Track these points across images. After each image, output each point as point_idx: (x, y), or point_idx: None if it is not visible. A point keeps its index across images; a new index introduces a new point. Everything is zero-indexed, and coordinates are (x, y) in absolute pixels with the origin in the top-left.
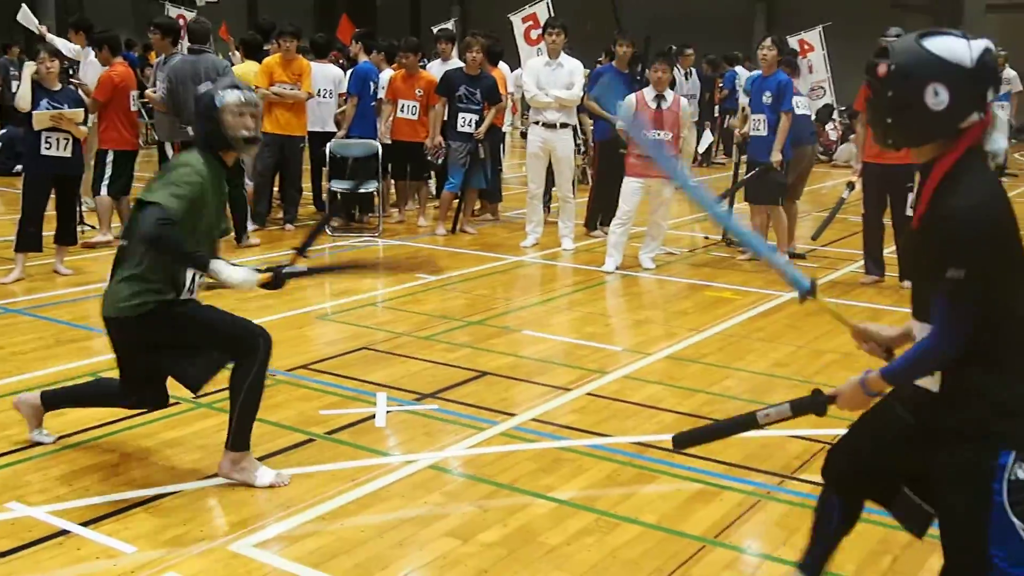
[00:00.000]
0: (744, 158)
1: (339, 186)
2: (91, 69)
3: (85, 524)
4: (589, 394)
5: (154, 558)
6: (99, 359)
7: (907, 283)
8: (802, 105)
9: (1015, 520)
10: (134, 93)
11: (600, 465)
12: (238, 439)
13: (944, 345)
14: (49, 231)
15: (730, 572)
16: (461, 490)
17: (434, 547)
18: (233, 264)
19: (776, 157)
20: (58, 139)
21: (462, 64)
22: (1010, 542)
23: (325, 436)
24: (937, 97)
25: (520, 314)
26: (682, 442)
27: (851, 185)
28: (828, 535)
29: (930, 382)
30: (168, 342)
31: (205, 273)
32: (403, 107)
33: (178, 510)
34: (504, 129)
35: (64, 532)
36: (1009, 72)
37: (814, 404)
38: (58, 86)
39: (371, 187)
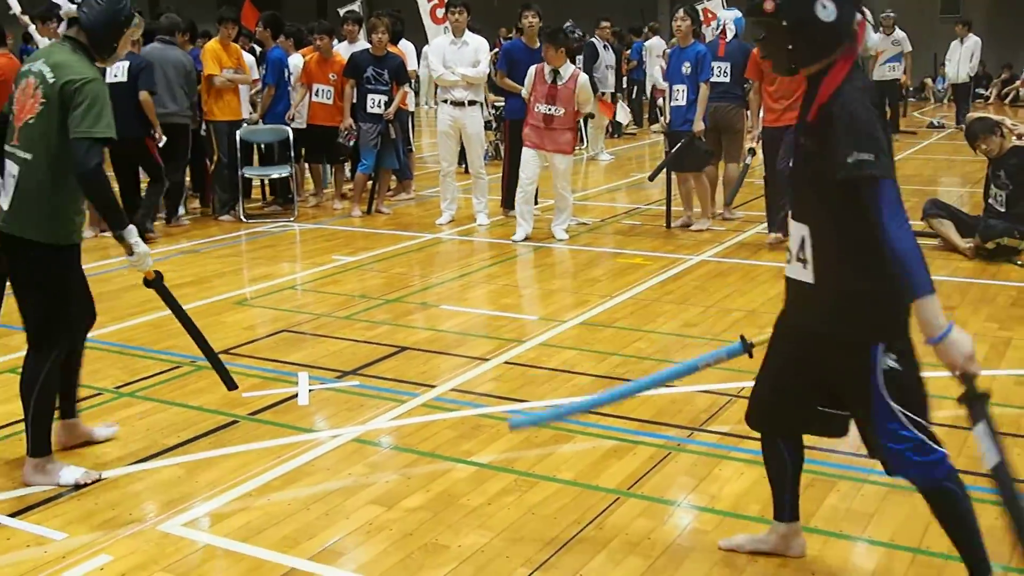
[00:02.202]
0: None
1: (252, 173)
2: None
3: (13, 515)
4: (507, 362)
5: (85, 543)
6: (14, 356)
7: (773, 235)
8: (722, 72)
9: (895, 406)
10: None
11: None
12: (36, 445)
13: (894, 225)
14: None
15: (643, 519)
16: (384, 460)
17: (360, 515)
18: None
19: (699, 127)
20: None
21: (368, 45)
22: (900, 429)
23: (248, 417)
24: (826, 9)
25: (437, 290)
26: None
27: (752, 151)
28: (787, 477)
29: (804, 273)
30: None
31: (116, 233)
32: (318, 91)
33: (105, 496)
34: (411, 108)
35: None
36: (899, 33)
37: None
38: None
39: (284, 172)
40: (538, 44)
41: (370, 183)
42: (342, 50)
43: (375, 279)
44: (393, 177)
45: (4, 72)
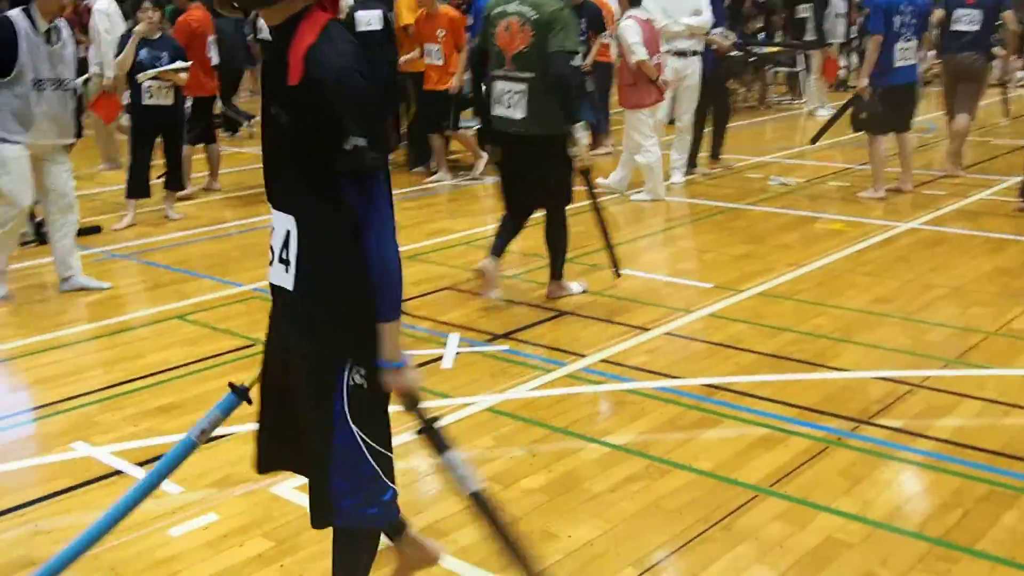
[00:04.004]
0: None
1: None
2: (99, 17)
3: (141, 464)
4: (668, 334)
5: (197, 499)
6: (189, 302)
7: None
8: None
9: (358, 433)
10: (212, 39)
11: (662, 409)
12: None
13: (385, 232)
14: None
15: (780, 523)
16: (514, 433)
17: None
18: None
19: (862, 85)
20: (159, 88)
21: None
22: (360, 468)
23: None
24: None
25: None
26: None
27: None
28: None
29: (287, 279)
30: None
31: (568, 127)
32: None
33: (230, 451)
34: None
35: (118, 472)
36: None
37: None
38: (157, 35)
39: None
40: None
41: None
42: None
43: None
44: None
45: (202, 24)
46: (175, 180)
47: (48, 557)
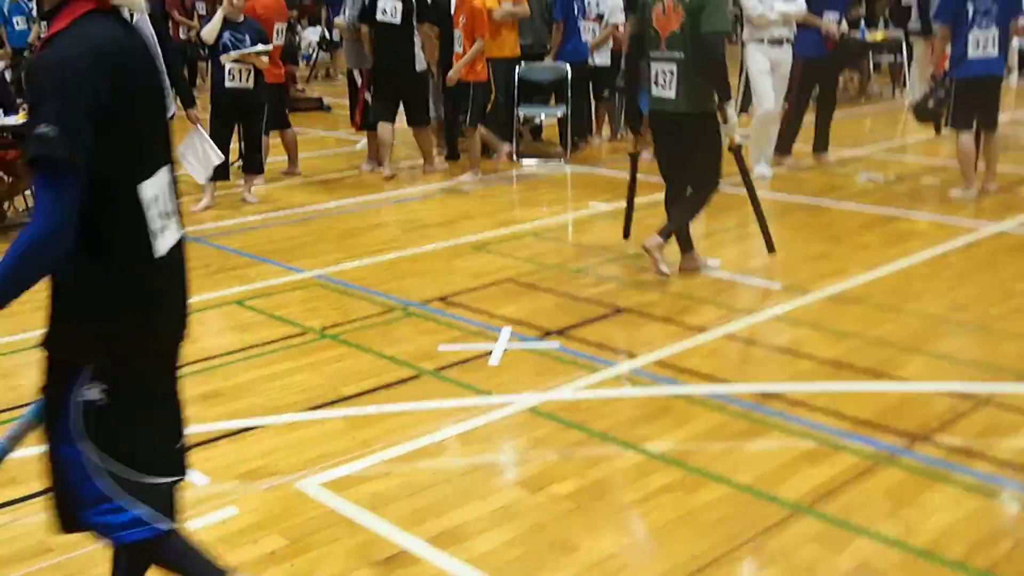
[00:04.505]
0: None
1: (526, 111)
2: None
3: None
4: (727, 336)
5: (221, 491)
6: (249, 287)
7: None
8: None
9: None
10: (280, 26)
11: (708, 416)
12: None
13: (43, 231)
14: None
15: (814, 545)
16: (550, 436)
17: (500, 496)
18: None
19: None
20: (240, 71)
21: None
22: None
23: (433, 372)
24: None
25: None
26: None
27: None
28: None
29: None
30: None
31: (722, 104)
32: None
33: (261, 443)
34: None
35: None
36: None
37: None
38: (241, 18)
39: (558, 112)
40: None
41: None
42: None
43: (620, 230)
44: None
45: (268, 11)
46: (253, 163)
47: (64, 545)
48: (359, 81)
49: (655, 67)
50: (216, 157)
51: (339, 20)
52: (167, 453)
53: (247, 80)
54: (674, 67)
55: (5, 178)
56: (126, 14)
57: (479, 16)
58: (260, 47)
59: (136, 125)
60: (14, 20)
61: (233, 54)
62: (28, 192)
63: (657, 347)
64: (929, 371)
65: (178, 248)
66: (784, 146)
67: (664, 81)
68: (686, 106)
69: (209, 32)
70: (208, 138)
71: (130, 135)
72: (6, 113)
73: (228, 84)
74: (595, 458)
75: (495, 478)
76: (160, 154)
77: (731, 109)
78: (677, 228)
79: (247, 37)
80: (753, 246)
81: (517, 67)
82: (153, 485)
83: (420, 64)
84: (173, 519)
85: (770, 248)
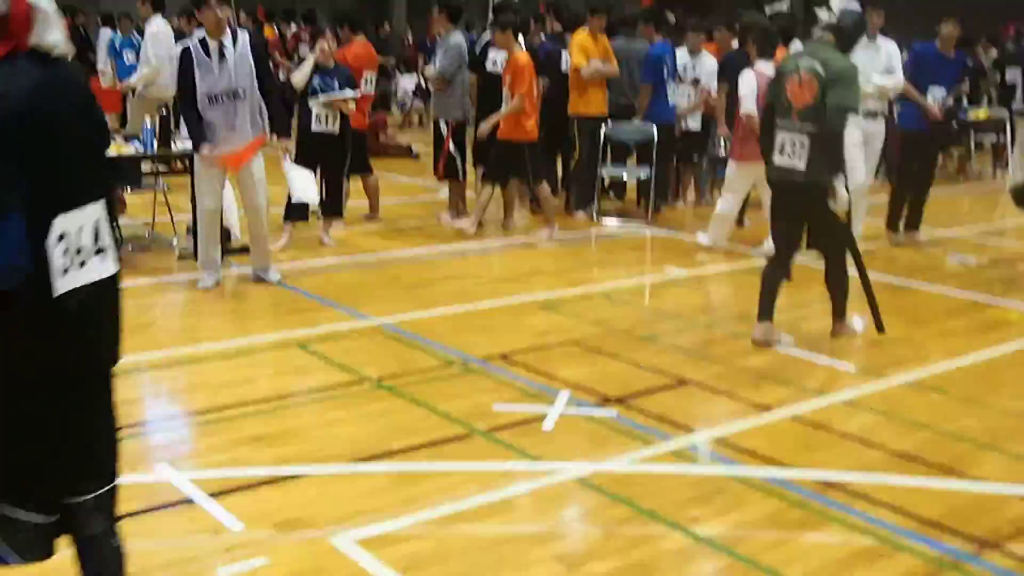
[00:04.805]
0: None
1: (610, 171)
2: (152, 41)
3: (213, 495)
4: (792, 417)
5: (254, 539)
6: (314, 330)
7: None
8: None
9: None
10: (369, 75)
11: (765, 501)
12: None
13: None
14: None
15: None
16: (596, 509)
17: (535, 570)
18: None
19: None
20: (327, 115)
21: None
22: None
23: (484, 433)
24: None
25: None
26: None
27: None
28: None
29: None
30: None
31: (831, 178)
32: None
33: (302, 492)
34: None
35: (188, 501)
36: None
37: None
38: (332, 64)
39: (643, 174)
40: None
41: None
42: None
43: (697, 297)
44: None
45: (359, 60)
46: (333, 206)
47: None
48: (445, 131)
49: (783, 136)
50: (312, 185)
51: (429, 69)
52: (42, 490)
53: (333, 124)
54: (805, 139)
55: None
56: (63, 47)
57: (519, 73)
58: (348, 93)
59: (46, 163)
60: (124, 54)
61: (321, 98)
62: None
63: (718, 423)
64: (1007, 472)
65: (105, 284)
66: (892, 223)
67: (792, 151)
68: (814, 176)
69: (300, 78)
70: (295, 168)
71: (38, 172)
72: None
73: (314, 128)
74: (639, 537)
75: (533, 550)
76: (81, 191)
77: (840, 184)
78: (843, 300)
79: (336, 83)
80: (829, 324)
81: (603, 126)
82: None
83: None
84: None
85: (879, 328)
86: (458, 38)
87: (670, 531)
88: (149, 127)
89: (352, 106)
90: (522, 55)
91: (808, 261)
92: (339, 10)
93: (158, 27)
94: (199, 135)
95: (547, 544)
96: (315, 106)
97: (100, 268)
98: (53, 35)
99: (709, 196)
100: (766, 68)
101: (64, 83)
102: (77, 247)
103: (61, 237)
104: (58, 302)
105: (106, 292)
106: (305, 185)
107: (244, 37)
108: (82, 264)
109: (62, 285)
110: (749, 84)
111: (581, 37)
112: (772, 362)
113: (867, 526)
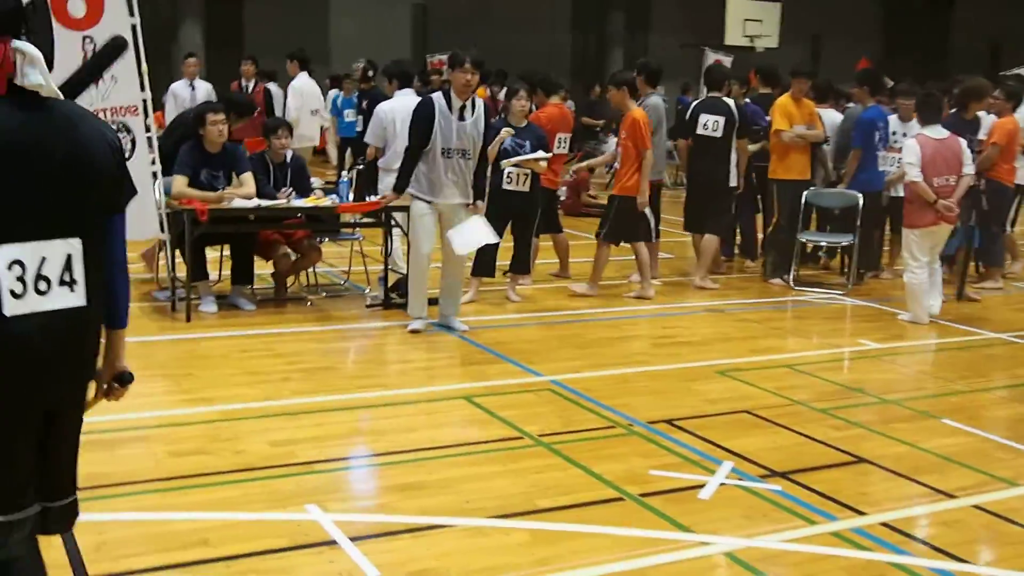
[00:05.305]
0: None
1: (809, 237)
2: (292, 95)
3: (355, 539)
4: (976, 506)
5: None
6: (483, 384)
7: None
8: None
9: None
10: (563, 136)
11: None
12: None
13: None
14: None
15: None
16: None
17: None
18: None
19: None
20: (518, 175)
21: None
22: None
23: (636, 497)
24: None
25: (953, 399)
26: None
27: None
28: None
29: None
30: None
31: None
32: None
33: (441, 544)
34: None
35: (331, 543)
36: None
37: None
38: (524, 123)
39: (845, 240)
40: None
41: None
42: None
43: (886, 373)
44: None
45: (552, 121)
46: (521, 264)
47: None
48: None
49: None
50: (487, 236)
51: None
52: None
53: (524, 184)
54: None
55: (291, 255)
56: (48, 87)
57: (637, 128)
58: (540, 154)
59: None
60: (345, 113)
61: (513, 160)
62: (312, 269)
63: (890, 507)
64: None
65: (58, 318)
66: None
67: None
68: None
69: (492, 145)
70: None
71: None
72: (299, 195)
73: (505, 186)
74: None
75: None
76: (46, 225)
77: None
78: None
79: (528, 143)
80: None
81: (805, 191)
82: None
83: (733, 179)
84: None
85: None
86: (655, 100)
87: None
88: (346, 180)
89: (544, 166)
90: (637, 111)
91: (1006, 337)
92: (533, 72)
93: (301, 83)
94: (405, 183)
95: None
96: (506, 167)
97: (64, 300)
98: (35, 76)
99: None
100: (933, 132)
101: (46, 123)
102: (37, 276)
103: (13, 264)
104: (8, 324)
105: (68, 326)
106: (475, 227)
107: (480, 103)
108: (42, 293)
109: (12, 308)
110: (913, 151)
111: (783, 101)
112: (962, 446)
113: None
